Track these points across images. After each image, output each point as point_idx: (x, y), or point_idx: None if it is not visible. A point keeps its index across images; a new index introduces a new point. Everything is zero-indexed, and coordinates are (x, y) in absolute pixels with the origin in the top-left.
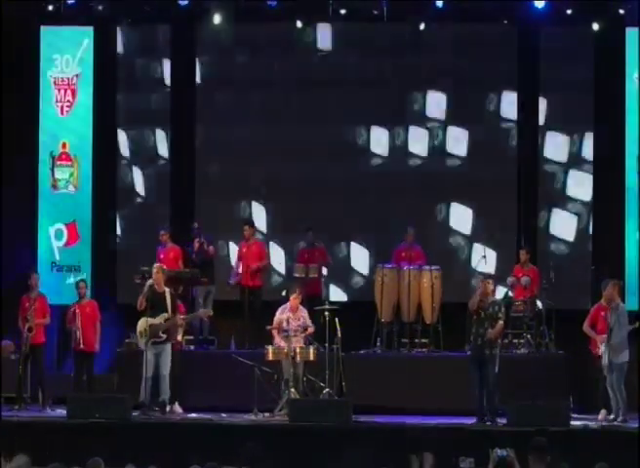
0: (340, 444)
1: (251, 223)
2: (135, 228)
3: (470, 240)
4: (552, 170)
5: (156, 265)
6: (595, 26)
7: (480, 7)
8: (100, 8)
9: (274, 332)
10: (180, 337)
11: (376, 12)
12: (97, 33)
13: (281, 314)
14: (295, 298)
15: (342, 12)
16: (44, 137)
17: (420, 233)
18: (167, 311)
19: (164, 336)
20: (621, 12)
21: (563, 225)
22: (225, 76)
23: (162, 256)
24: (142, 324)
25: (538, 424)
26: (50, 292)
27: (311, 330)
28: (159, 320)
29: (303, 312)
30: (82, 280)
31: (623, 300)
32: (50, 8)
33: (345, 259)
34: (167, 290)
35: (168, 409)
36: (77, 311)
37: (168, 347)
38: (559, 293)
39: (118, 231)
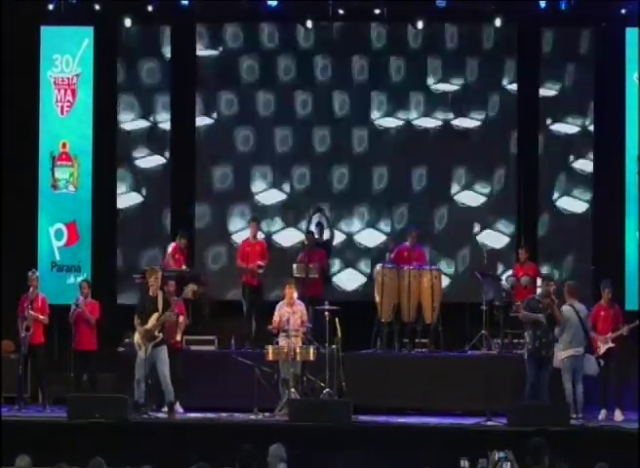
0: (340, 444)
1: (257, 220)
2: (135, 228)
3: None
4: (552, 169)
5: (151, 269)
6: (595, 26)
7: (480, 7)
8: (101, 7)
9: (275, 331)
10: (179, 337)
11: (377, 11)
12: (97, 33)
13: (279, 310)
14: (289, 288)
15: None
16: (44, 137)
17: (422, 233)
18: (158, 312)
19: (160, 335)
20: (622, 12)
21: (563, 224)
22: (226, 76)
23: (177, 256)
24: (138, 335)
25: (538, 424)
26: (50, 292)
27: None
28: (151, 323)
29: (301, 306)
30: (85, 280)
31: (618, 300)
32: (50, 8)
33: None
34: (160, 292)
35: (174, 408)
36: (76, 311)
37: (163, 348)
38: (559, 293)
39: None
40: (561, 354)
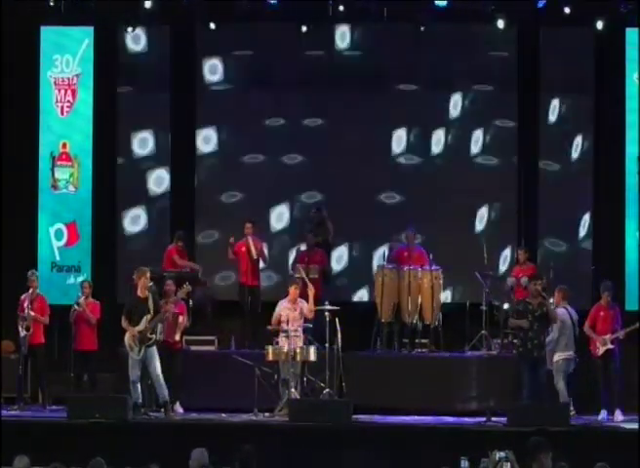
0: (340, 444)
1: (253, 221)
2: (137, 228)
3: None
4: (552, 168)
5: (140, 270)
6: (595, 26)
7: (480, 7)
8: (100, 7)
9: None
10: (178, 337)
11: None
12: (97, 33)
13: (280, 307)
14: (295, 289)
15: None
16: (44, 138)
17: (421, 233)
18: (149, 313)
19: (153, 337)
20: (622, 11)
21: (563, 225)
22: (226, 76)
23: (176, 257)
24: (129, 336)
25: (538, 424)
26: (50, 292)
27: (311, 314)
28: (143, 325)
29: (302, 303)
30: (86, 280)
31: (618, 301)
32: (50, 8)
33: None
34: (149, 293)
35: (170, 407)
36: (77, 310)
37: (154, 348)
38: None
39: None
40: (556, 356)
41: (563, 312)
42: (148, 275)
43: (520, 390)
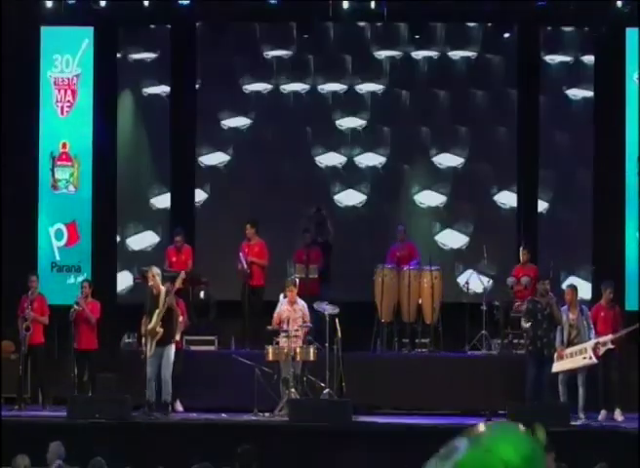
0: (340, 444)
1: (253, 222)
2: (136, 228)
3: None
4: (552, 168)
5: (153, 269)
6: (595, 26)
7: (480, 7)
8: (101, 7)
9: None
10: (178, 337)
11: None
12: (97, 33)
13: (280, 307)
14: (291, 291)
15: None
16: (44, 138)
17: (421, 232)
18: (158, 308)
19: (161, 331)
20: (619, 7)
21: (563, 225)
22: (226, 76)
23: (174, 259)
24: (142, 334)
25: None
26: (50, 292)
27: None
28: (154, 321)
29: (302, 305)
30: (86, 280)
31: (618, 301)
32: (50, 8)
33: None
34: (163, 290)
35: (169, 409)
36: (77, 310)
37: (169, 349)
38: (559, 294)
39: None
40: (589, 358)
41: (585, 310)
42: (156, 272)
43: (524, 387)
